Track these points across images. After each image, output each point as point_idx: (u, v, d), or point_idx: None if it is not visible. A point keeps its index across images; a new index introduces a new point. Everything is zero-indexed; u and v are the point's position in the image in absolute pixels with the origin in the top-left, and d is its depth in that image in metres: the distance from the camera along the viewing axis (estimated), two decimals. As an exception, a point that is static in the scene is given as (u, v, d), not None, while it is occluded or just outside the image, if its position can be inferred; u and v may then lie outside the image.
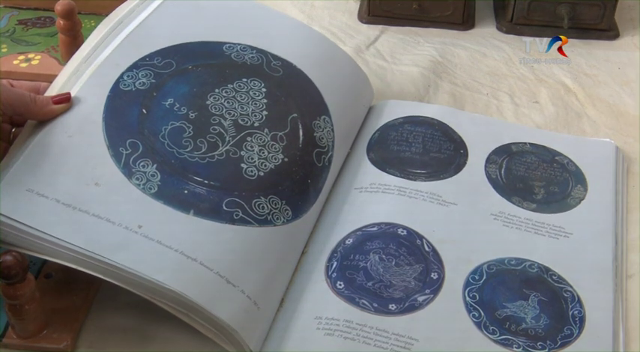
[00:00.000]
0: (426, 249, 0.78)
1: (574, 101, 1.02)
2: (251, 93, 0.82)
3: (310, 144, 0.82)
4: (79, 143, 0.73)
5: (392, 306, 0.73)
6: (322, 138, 0.83)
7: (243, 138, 0.78)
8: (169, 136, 0.76)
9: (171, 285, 0.65)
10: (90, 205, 0.69)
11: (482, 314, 0.72)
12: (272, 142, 0.79)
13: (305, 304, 0.73)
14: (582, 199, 0.85)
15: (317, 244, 0.79)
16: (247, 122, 0.80)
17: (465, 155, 0.90)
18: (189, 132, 0.77)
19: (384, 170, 0.87)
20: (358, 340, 0.70)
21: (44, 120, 0.74)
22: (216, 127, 0.78)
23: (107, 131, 0.75)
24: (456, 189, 0.85)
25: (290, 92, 0.85)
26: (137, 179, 0.72)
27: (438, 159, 0.89)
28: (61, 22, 0.85)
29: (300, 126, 0.82)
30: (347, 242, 0.79)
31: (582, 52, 1.11)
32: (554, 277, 0.76)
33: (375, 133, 0.92)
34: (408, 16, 1.15)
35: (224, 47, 0.86)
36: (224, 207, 0.73)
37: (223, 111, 0.79)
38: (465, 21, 1.16)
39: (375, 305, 0.73)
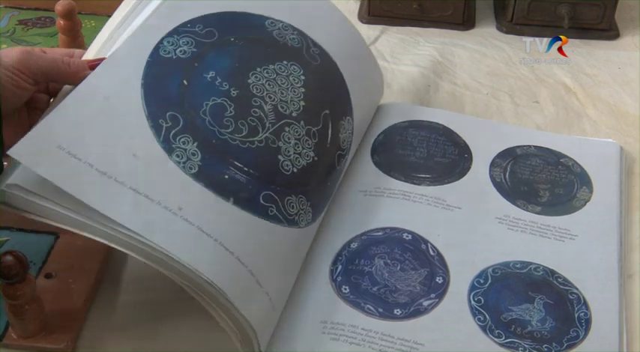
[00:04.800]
0: (431, 253, 0.78)
1: (574, 101, 1.02)
2: (291, 78, 0.78)
3: (335, 146, 0.80)
4: (116, 106, 0.67)
5: (397, 311, 0.72)
6: (344, 140, 0.82)
7: (281, 128, 0.74)
8: (211, 113, 0.70)
9: (209, 277, 0.62)
10: (127, 177, 0.64)
11: (488, 317, 0.72)
12: (306, 137, 0.76)
13: (310, 308, 0.73)
14: (587, 201, 0.84)
15: (321, 246, 0.79)
16: (286, 110, 0.75)
17: (470, 159, 0.89)
18: (231, 112, 0.72)
19: (388, 174, 0.87)
20: (363, 345, 0.70)
21: None
22: (256, 110, 0.73)
23: (146, 99, 0.68)
24: (460, 193, 0.85)
25: (324, 85, 0.81)
26: (177, 156, 0.67)
27: (443, 164, 0.89)
28: (61, 22, 0.84)
29: (330, 125, 0.79)
30: (352, 246, 0.78)
31: (582, 52, 1.11)
32: (559, 280, 0.76)
33: (379, 136, 0.92)
34: (408, 16, 1.15)
35: (266, 22, 0.81)
36: (261, 200, 0.70)
37: (264, 94, 0.75)
38: (465, 21, 1.16)
39: (380, 310, 0.72)
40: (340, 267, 0.76)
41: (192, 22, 0.76)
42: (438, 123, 0.94)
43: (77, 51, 0.73)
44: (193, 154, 0.68)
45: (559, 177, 0.87)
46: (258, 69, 0.76)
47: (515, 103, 1.02)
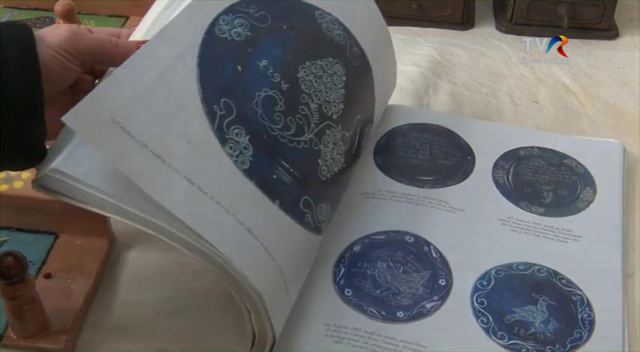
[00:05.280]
0: (434, 255, 0.77)
1: (574, 101, 1.02)
2: (334, 77, 0.73)
3: (357, 152, 0.77)
4: (171, 84, 0.61)
5: (400, 314, 0.72)
6: (363, 147, 0.79)
7: (323, 130, 0.70)
8: (262, 105, 0.65)
9: (255, 284, 0.60)
10: (181, 164, 0.58)
11: (491, 319, 0.72)
12: (340, 142, 0.72)
13: (313, 310, 0.73)
14: (591, 202, 0.84)
15: (324, 249, 0.78)
16: (328, 111, 0.71)
17: (472, 162, 0.89)
18: (281, 107, 0.66)
19: (391, 176, 0.87)
20: (366, 348, 0.69)
21: None
22: (304, 108, 0.68)
23: (202, 81, 0.62)
24: (463, 195, 0.84)
25: (360, 89, 0.78)
26: (230, 148, 0.62)
27: (446, 166, 0.88)
28: (61, 22, 0.83)
29: (358, 131, 0.76)
30: (354, 248, 0.78)
31: (582, 52, 1.11)
32: (563, 281, 0.75)
33: (381, 138, 0.92)
34: (408, 16, 1.15)
35: (316, 13, 0.76)
36: (301, 206, 0.67)
37: (311, 91, 0.69)
38: (464, 21, 1.16)
39: (383, 313, 0.72)
40: (343, 270, 0.76)
41: (247, 2, 0.70)
42: (440, 126, 0.94)
43: (124, 31, 0.69)
44: (245, 148, 0.63)
45: (562, 178, 0.87)
46: (307, 63, 0.71)
47: (514, 103, 1.01)
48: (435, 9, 1.14)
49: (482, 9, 1.20)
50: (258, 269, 0.61)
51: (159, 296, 0.75)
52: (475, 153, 0.90)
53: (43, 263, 0.76)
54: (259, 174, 0.63)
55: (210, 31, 0.66)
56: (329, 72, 0.73)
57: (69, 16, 0.83)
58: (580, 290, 0.75)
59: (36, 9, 1.04)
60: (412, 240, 0.79)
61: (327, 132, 0.71)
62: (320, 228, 0.70)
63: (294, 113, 0.68)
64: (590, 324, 0.72)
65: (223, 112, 0.63)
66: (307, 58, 0.71)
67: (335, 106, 0.72)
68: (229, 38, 0.67)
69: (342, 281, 0.75)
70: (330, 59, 0.74)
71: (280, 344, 0.69)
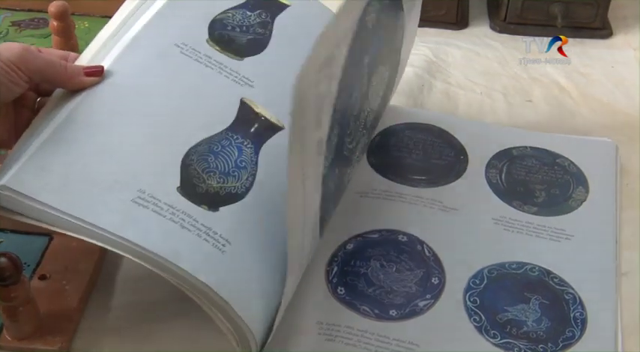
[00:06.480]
0: (427, 254, 0.78)
1: (568, 100, 1.02)
2: (381, 85, 0.66)
3: (361, 162, 0.74)
4: (335, 61, 0.51)
5: (393, 312, 0.72)
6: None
7: (359, 139, 0.65)
8: (352, 107, 0.56)
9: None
10: (308, 161, 0.51)
11: (483, 318, 0.72)
12: (358, 153, 0.67)
13: (306, 308, 0.73)
14: (584, 201, 0.84)
15: (317, 247, 0.78)
16: (367, 121, 0.65)
17: (465, 161, 0.89)
18: (355, 111, 0.58)
19: (385, 176, 0.86)
20: (359, 346, 0.69)
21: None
22: (362, 115, 0.61)
23: (349, 57, 0.52)
24: (456, 194, 0.85)
25: (388, 96, 0.73)
26: (327, 149, 0.54)
27: (439, 166, 0.89)
28: (55, 23, 0.83)
29: (371, 139, 0.72)
30: (347, 247, 0.78)
31: (576, 51, 1.11)
32: (555, 280, 0.76)
33: (375, 138, 0.91)
34: (402, 16, 1.15)
35: (399, 14, 0.66)
36: (327, 217, 0.64)
37: (370, 98, 0.62)
38: (458, 20, 1.16)
39: (376, 311, 0.72)
40: (336, 268, 0.76)
41: None
42: (434, 126, 0.94)
43: (72, 55, 0.72)
44: (329, 151, 0.54)
45: (555, 178, 0.87)
46: (380, 67, 0.64)
47: (508, 102, 1.02)
48: (429, 8, 1.13)
49: (477, 8, 1.20)
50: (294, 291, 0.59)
51: (155, 297, 0.75)
52: (468, 153, 0.90)
53: (38, 264, 0.75)
54: (327, 182, 0.58)
55: (365, 11, 0.56)
56: (381, 78, 0.67)
57: (63, 17, 0.83)
58: (572, 288, 0.75)
59: (29, 10, 1.04)
60: (405, 239, 0.79)
61: (361, 140, 0.68)
62: (324, 232, 0.70)
63: (357, 120, 0.62)
64: (583, 323, 0.72)
65: (337, 102, 0.54)
66: (381, 61, 0.65)
67: (372, 114, 0.67)
68: (370, 18, 0.57)
69: (334, 280, 0.75)
70: (387, 66, 0.68)
71: (272, 343, 0.69)
